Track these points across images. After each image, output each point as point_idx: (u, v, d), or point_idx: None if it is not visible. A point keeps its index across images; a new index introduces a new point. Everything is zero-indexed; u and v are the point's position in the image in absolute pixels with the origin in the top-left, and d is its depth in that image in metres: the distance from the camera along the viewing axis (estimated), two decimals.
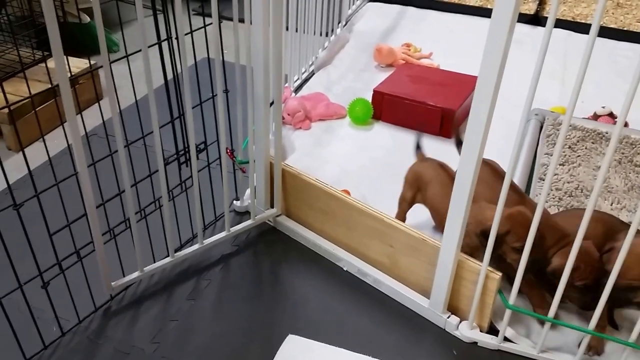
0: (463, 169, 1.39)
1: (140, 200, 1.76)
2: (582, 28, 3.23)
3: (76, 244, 1.57)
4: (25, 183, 1.84)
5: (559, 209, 1.92)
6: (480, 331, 1.61)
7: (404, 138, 2.38)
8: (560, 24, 3.23)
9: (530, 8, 3.44)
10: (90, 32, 2.79)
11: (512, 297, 1.48)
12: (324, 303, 1.73)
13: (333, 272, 1.83)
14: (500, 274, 1.51)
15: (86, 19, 2.94)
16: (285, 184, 1.92)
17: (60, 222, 1.52)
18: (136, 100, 1.63)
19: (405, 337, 1.63)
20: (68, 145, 1.39)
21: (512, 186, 1.70)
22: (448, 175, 1.74)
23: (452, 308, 1.64)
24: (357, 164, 2.26)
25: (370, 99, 2.50)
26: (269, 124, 1.81)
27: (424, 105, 2.39)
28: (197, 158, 1.65)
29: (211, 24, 1.56)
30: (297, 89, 2.70)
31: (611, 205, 1.96)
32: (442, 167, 1.78)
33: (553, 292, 1.44)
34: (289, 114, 2.45)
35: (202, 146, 1.78)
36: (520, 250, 1.44)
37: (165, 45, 1.61)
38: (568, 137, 2.28)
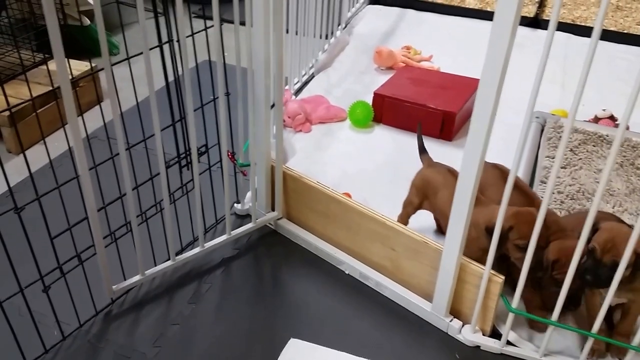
0: (465, 172, 1.38)
1: (141, 204, 1.76)
2: (581, 31, 3.24)
3: (77, 247, 1.57)
4: (25, 186, 1.83)
5: (561, 212, 1.92)
6: (483, 335, 1.60)
7: (405, 141, 2.38)
8: (560, 26, 3.22)
9: (529, 11, 3.44)
10: (90, 34, 2.78)
11: (515, 300, 1.48)
12: (326, 307, 1.72)
13: (335, 275, 1.82)
14: (503, 277, 1.50)
15: (86, 21, 2.93)
16: (287, 186, 1.92)
17: (61, 225, 1.51)
18: (137, 103, 1.63)
19: (408, 340, 1.63)
20: (69, 147, 1.38)
21: (523, 188, 1.70)
22: (457, 180, 1.74)
23: (455, 312, 1.64)
24: (358, 167, 2.25)
25: (370, 102, 2.50)
26: (270, 126, 1.81)
27: (425, 108, 2.39)
28: (198, 161, 1.64)
29: (212, 26, 1.55)
30: (297, 92, 2.70)
31: (613, 208, 1.96)
32: (451, 172, 1.77)
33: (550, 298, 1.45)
34: (289, 117, 2.44)
35: (203, 149, 1.78)
36: (522, 249, 1.45)
37: (165, 47, 1.61)
38: (569, 140, 2.28)
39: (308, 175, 1.89)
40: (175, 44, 1.52)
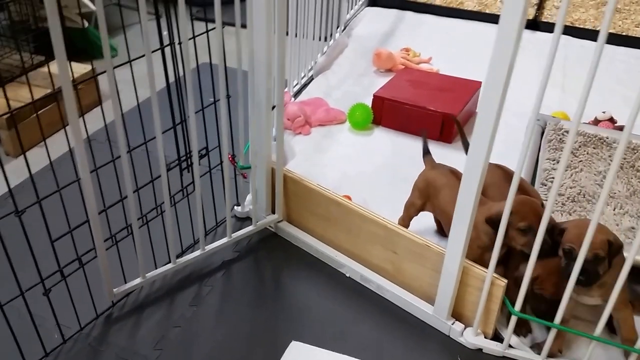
0: (469, 175, 1.38)
1: (141, 206, 1.75)
2: (580, 33, 3.24)
3: (78, 250, 1.56)
4: (24, 188, 1.82)
5: (562, 214, 1.92)
6: (485, 338, 1.60)
7: (405, 143, 2.38)
8: None
9: (528, 13, 3.44)
10: (88, 37, 2.77)
11: (518, 303, 1.48)
12: (327, 309, 1.72)
13: (335, 278, 1.82)
14: (506, 280, 1.50)
15: (85, 24, 2.92)
16: (287, 189, 1.91)
17: (62, 228, 1.51)
18: (138, 105, 1.62)
19: (409, 343, 1.62)
20: (70, 149, 1.38)
21: (525, 188, 1.70)
22: (459, 181, 1.74)
23: (457, 314, 1.63)
24: (358, 169, 2.25)
25: (369, 104, 2.50)
26: (270, 129, 1.81)
27: (425, 110, 2.38)
28: (199, 164, 1.64)
29: (214, 29, 1.55)
30: (296, 95, 2.70)
31: (614, 210, 1.96)
32: (454, 173, 1.77)
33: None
34: (288, 119, 2.44)
35: (203, 152, 1.77)
36: (525, 231, 1.48)
37: (166, 49, 1.60)
38: None
39: (308, 178, 1.88)
40: (176, 47, 1.52)
